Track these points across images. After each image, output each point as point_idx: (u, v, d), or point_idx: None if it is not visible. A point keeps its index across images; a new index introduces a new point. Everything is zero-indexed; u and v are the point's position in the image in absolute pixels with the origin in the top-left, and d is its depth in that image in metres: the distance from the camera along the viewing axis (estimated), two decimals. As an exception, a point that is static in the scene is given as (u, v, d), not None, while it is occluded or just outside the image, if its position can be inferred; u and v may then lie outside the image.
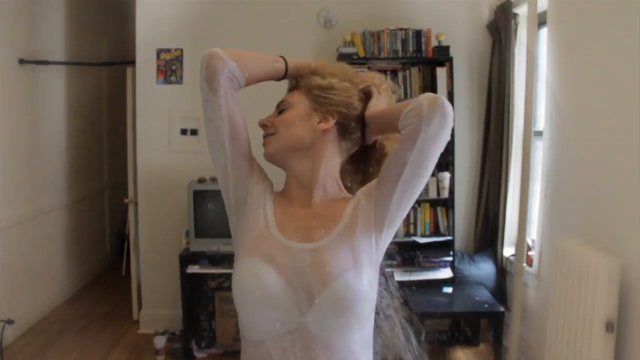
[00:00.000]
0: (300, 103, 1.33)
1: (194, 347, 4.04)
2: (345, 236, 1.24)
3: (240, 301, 1.21)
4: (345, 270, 1.18)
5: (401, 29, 4.16)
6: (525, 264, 3.66)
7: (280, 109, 1.35)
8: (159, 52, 4.35)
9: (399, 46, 4.16)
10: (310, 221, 1.27)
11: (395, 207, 1.24)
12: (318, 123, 1.30)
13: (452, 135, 4.18)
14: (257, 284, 1.18)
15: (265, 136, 1.34)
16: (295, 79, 1.38)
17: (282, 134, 1.31)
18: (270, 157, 1.33)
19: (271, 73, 1.34)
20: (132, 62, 4.50)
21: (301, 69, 1.37)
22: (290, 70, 1.35)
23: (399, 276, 3.93)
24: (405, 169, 1.20)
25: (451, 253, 4.06)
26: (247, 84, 1.29)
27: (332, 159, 1.33)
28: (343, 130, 1.33)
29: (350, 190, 1.37)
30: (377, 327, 1.32)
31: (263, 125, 1.34)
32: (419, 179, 1.22)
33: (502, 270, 4.05)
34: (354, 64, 4.16)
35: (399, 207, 1.24)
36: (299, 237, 1.24)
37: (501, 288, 4.03)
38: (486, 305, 3.65)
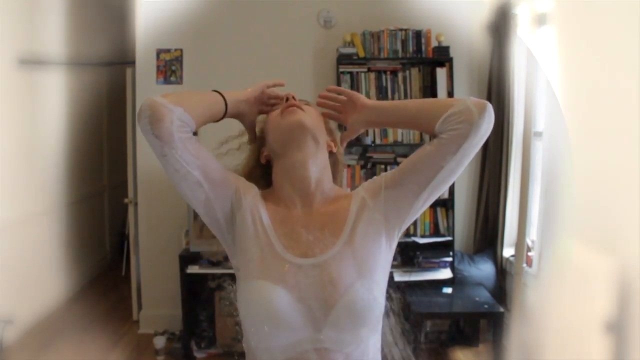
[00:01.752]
0: (318, 114, 1.38)
1: (194, 347, 4.04)
2: (351, 244, 1.21)
3: (252, 326, 1.18)
4: (356, 281, 1.16)
5: (401, 30, 4.16)
6: (525, 265, 3.66)
7: (305, 102, 1.36)
8: (158, 52, 4.36)
9: (398, 46, 4.16)
10: (313, 231, 1.23)
11: (415, 209, 1.24)
12: None
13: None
14: (270, 309, 1.14)
15: (292, 106, 1.32)
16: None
17: (313, 119, 1.34)
18: (298, 128, 1.28)
19: (211, 115, 1.26)
20: (132, 63, 4.50)
21: (239, 98, 1.31)
22: (230, 108, 1.28)
23: (399, 276, 3.93)
24: (440, 172, 1.18)
25: (451, 253, 4.06)
26: (197, 127, 1.21)
27: (329, 172, 1.35)
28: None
29: None
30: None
31: (293, 98, 1.33)
32: (447, 184, 1.22)
33: (502, 271, 4.05)
34: (353, 64, 4.17)
35: (419, 209, 1.24)
36: (303, 251, 1.20)
37: (501, 289, 4.03)
38: (486, 306, 3.65)
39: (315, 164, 1.27)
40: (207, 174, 1.20)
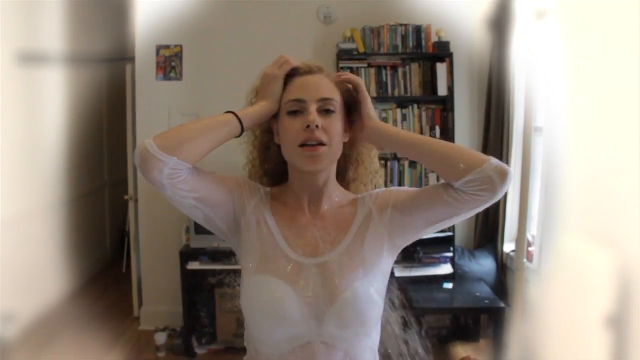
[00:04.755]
0: (340, 108, 1.24)
1: (195, 343, 4.04)
2: (354, 246, 1.23)
3: (253, 318, 1.20)
4: (354, 280, 1.18)
5: (401, 25, 4.16)
6: (525, 260, 3.66)
7: (327, 108, 1.21)
8: (158, 48, 4.35)
9: (398, 42, 4.16)
10: (320, 232, 1.25)
11: (419, 236, 1.27)
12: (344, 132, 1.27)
13: (452, 131, 4.16)
14: (272, 301, 1.17)
15: (316, 144, 1.18)
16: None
17: (334, 148, 1.21)
18: (316, 172, 1.22)
19: (224, 138, 1.19)
20: (132, 59, 4.50)
21: (258, 117, 1.23)
22: (247, 124, 1.21)
23: (399, 272, 3.93)
24: (451, 218, 1.21)
25: (451, 249, 4.05)
26: (201, 159, 1.17)
27: (335, 166, 1.30)
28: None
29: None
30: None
31: (316, 127, 1.18)
32: (454, 223, 1.26)
33: (503, 266, 4.05)
34: (353, 59, 4.16)
35: (422, 236, 1.27)
36: (308, 250, 1.22)
37: (501, 284, 4.03)
38: (486, 301, 3.65)
39: (326, 171, 1.26)
40: (204, 200, 1.21)
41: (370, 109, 1.25)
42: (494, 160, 1.14)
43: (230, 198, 1.25)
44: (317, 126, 1.17)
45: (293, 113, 1.21)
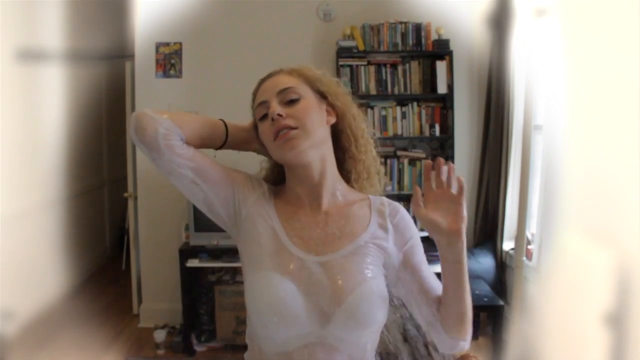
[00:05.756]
0: (307, 93, 1.24)
1: (194, 340, 4.04)
2: (365, 250, 1.22)
3: (257, 315, 1.18)
4: (360, 283, 1.18)
5: (401, 23, 4.15)
6: (524, 258, 3.66)
7: (290, 98, 1.22)
8: (158, 45, 4.35)
9: (398, 39, 4.15)
10: (324, 230, 1.23)
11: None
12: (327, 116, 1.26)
13: (452, 129, 4.16)
14: (276, 298, 1.15)
15: (283, 129, 1.18)
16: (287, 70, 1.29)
17: (309, 129, 1.19)
18: (299, 157, 1.20)
19: (210, 134, 1.25)
20: (131, 56, 4.50)
21: (239, 124, 1.30)
22: (232, 134, 1.27)
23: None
24: (414, 314, 1.32)
25: (451, 247, 4.04)
26: (188, 141, 1.20)
27: (332, 159, 1.28)
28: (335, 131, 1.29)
29: None
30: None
31: (278, 116, 1.19)
32: None
33: (502, 264, 4.05)
34: (353, 57, 4.16)
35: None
36: (313, 249, 1.21)
37: (501, 282, 4.03)
38: (486, 299, 3.65)
39: (316, 161, 1.24)
40: (202, 173, 1.21)
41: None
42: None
43: (230, 182, 1.25)
44: (280, 115, 1.19)
45: (264, 117, 1.24)
